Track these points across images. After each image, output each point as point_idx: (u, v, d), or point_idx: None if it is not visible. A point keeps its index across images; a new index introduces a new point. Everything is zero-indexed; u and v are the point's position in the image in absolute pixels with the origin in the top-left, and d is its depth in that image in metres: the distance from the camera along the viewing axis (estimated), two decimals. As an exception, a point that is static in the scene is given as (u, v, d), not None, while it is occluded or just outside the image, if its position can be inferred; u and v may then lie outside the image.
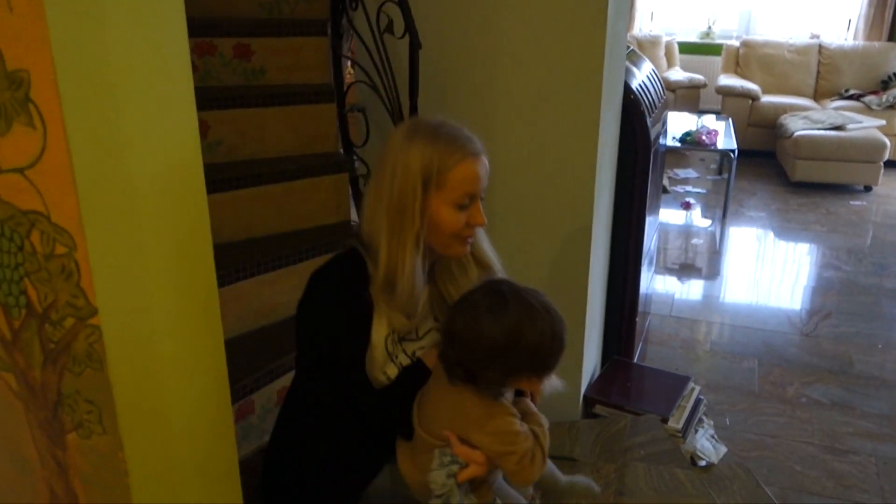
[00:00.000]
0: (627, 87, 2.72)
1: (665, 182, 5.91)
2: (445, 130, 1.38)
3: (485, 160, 1.41)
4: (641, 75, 2.95)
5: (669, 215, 5.62)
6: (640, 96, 2.76)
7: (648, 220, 3.00)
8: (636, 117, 2.74)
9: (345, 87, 2.57)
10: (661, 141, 3.27)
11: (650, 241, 3.21)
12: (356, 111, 2.55)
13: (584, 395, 2.66)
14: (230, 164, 2.40)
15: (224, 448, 1.38)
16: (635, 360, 3.04)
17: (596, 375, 2.84)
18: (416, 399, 1.45)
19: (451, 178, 1.35)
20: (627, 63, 2.77)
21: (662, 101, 3.17)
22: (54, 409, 1.17)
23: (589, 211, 2.41)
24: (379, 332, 1.46)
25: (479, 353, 1.27)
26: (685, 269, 4.77)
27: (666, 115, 3.40)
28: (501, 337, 1.25)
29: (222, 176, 2.25)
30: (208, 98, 2.32)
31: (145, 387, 1.16)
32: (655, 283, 4.45)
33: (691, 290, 4.51)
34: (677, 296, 4.35)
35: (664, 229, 5.35)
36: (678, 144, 5.57)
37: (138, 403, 1.15)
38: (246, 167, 2.36)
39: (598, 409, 2.63)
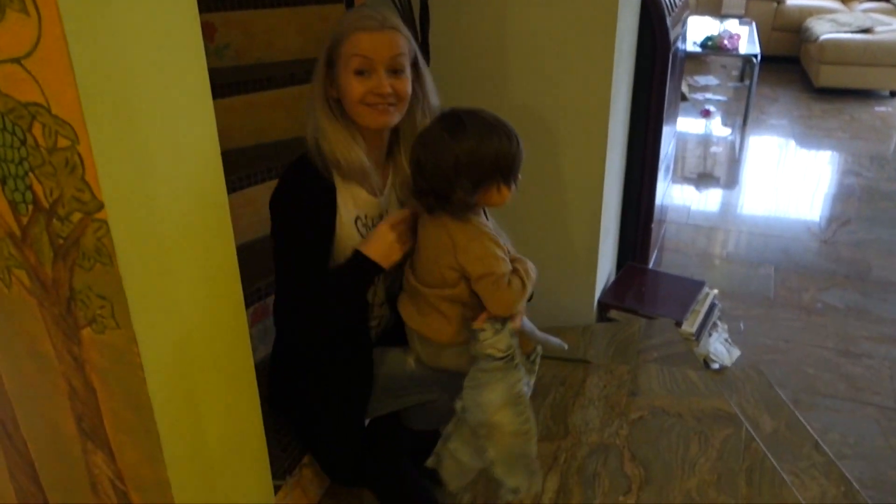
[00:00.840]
0: (646, -16, 2.62)
1: (684, 89, 5.77)
2: (363, 10, 1.50)
3: (388, 35, 1.47)
4: (661, -28, 2.83)
5: (688, 124, 5.51)
6: (659, -6, 2.66)
7: (666, 128, 2.93)
8: (656, 17, 2.64)
9: (354, -13, 2.49)
10: (681, 45, 3.17)
11: (667, 148, 3.14)
12: (365, 12, 2.47)
13: (599, 301, 2.66)
14: (238, 68, 2.36)
15: (239, 346, 1.39)
16: (650, 267, 3.03)
17: (611, 281, 2.83)
18: (408, 262, 1.56)
19: (344, 47, 1.46)
20: (647, -41, 2.66)
21: (683, 1, 3.05)
22: (67, 305, 1.18)
23: (605, 113, 2.35)
24: (346, 213, 1.54)
25: (445, 171, 1.37)
26: (703, 178, 4.71)
27: (686, 17, 3.27)
28: (464, 152, 1.36)
29: (230, 80, 2.21)
30: (214, -1, 2.26)
31: (157, 282, 1.16)
32: (672, 192, 4.40)
33: (709, 200, 4.46)
34: (694, 205, 4.30)
35: (682, 138, 5.25)
36: (699, 50, 5.42)
37: (150, 297, 1.15)
38: (254, 71, 2.32)
39: (613, 313, 2.64)
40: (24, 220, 1.14)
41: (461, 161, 1.37)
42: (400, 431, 1.76)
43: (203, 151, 1.21)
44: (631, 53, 2.60)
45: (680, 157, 4.95)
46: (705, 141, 5.31)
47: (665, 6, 2.66)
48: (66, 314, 1.19)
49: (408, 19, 2.20)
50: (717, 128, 5.53)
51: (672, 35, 2.75)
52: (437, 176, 1.39)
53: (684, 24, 3.23)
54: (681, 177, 4.69)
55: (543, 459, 1.94)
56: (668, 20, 2.66)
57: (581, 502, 1.81)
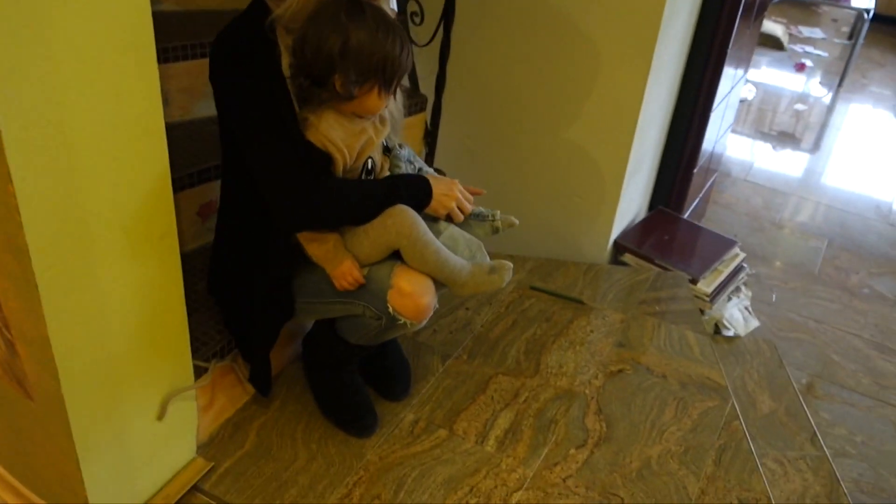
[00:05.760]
0: None
1: (783, 38, 5.31)
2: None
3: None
4: None
5: (779, 76, 5.08)
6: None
7: (730, 69, 2.63)
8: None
9: None
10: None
11: (729, 93, 2.84)
12: None
13: (615, 241, 2.45)
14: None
15: (159, 208, 1.26)
16: (685, 216, 2.78)
17: (635, 223, 2.61)
18: None
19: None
20: None
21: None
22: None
23: (653, 35, 2.09)
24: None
25: (330, 54, 1.26)
26: (781, 137, 4.34)
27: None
28: (355, 37, 1.25)
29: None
30: None
31: (41, 108, 1.01)
32: (734, 143, 4.07)
33: (779, 160, 4.11)
34: (758, 162, 3.97)
35: (768, 90, 4.85)
36: (805, -4, 4.94)
37: (31, 129, 1.01)
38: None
39: (627, 257, 2.43)
40: None
41: (350, 46, 1.25)
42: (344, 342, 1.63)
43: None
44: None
45: (759, 110, 4.58)
46: (794, 98, 4.89)
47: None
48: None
49: None
50: (814, 87, 5.08)
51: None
52: (320, 57, 1.26)
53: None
54: (756, 130, 4.34)
55: (503, 395, 1.80)
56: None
57: (528, 446, 1.67)
